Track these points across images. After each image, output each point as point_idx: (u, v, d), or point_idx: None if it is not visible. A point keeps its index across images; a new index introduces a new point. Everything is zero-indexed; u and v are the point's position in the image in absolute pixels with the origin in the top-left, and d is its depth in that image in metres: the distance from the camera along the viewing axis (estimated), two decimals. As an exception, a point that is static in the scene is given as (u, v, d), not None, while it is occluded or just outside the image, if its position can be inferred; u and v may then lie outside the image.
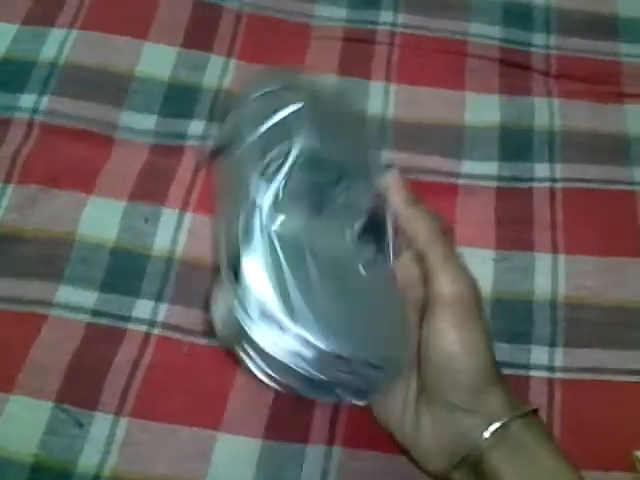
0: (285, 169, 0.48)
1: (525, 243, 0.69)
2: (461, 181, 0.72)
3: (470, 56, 0.79)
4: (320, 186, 0.50)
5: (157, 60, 0.78)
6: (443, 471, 0.50)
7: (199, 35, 0.80)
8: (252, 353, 0.45)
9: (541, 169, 0.72)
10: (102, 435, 0.59)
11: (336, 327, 0.46)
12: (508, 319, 0.65)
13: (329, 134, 0.51)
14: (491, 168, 0.72)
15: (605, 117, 0.76)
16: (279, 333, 0.44)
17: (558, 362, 0.64)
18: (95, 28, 0.79)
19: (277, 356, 0.45)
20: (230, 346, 0.47)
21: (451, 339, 0.48)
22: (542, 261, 0.68)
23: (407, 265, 0.53)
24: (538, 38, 0.81)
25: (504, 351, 0.64)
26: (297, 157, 0.48)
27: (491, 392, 0.49)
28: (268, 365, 0.46)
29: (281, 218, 0.47)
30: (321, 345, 0.45)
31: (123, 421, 0.60)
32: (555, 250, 0.68)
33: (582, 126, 0.75)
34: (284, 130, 0.50)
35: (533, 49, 0.80)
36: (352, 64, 0.79)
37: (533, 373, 0.63)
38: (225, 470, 0.59)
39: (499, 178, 0.72)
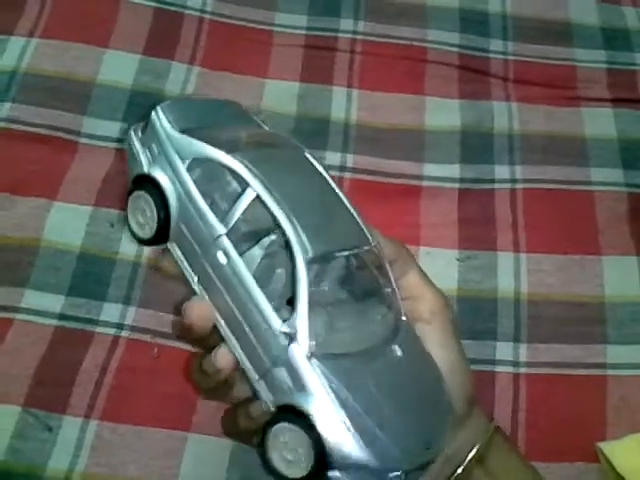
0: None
1: (488, 243, 0.70)
2: (424, 183, 0.73)
3: (430, 62, 0.81)
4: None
5: (119, 67, 0.78)
6: None
7: (161, 42, 0.80)
8: None
9: (501, 171, 0.74)
10: (71, 439, 0.59)
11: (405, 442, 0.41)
12: (473, 317, 0.67)
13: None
14: (453, 171, 0.74)
15: (562, 120, 0.78)
16: None
17: (522, 357, 0.65)
18: (55, 36, 0.79)
19: None
20: None
21: (439, 359, 0.45)
22: (504, 260, 0.69)
23: None
24: (495, 44, 0.83)
25: (470, 348, 0.64)
26: None
27: (474, 412, 0.48)
28: None
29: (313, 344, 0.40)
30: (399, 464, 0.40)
31: (93, 424, 0.60)
32: (517, 249, 0.70)
33: (540, 129, 0.77)
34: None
35: (491, 55, 0.82)
36: (314, 71, 0.80)
37: (498, 368, 0.65)
38: (197, 471, 0.59)
39: (461, 180, 0.73)
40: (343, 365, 0.40)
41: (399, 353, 0.43)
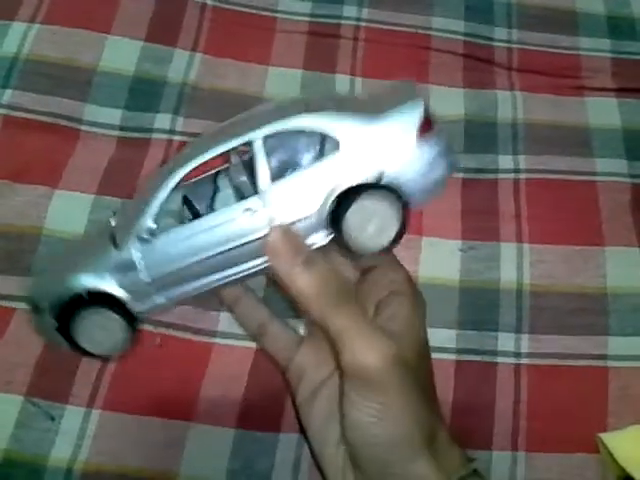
0: None
1: (490, 233, 0.70)
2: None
3: (434, 50, 0.80)
4: None
5: (121, 54, 0.78)
6: None
7: (163, 29, 0.80)
8: None
9: (505, 161, 0.74)
10: (74, 428, 0.59)
11: None
12: (475, 307, 0.67)
13: None
14: (456, 160, 0.74)
15: (566, 109, 0.77)
16: None
17: (524, 348, 0.65)
18: (57, 22, 0.78)
19: None
20: None
21: (363, 412, 0.45)
22: (507, 250, 0.69)
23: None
24: (500, 33, 0.82)
25: (472, 338, 0.65)
26: None
27: (414, 461, 0.45)
28: None
29: None
30: None
31: (95, 413, 0.60)
32: (520, 239, 0.70)
33: (544, 118, 0.77)
34: None
35: (495, 43, 0.81)
36: (317, 58, 0.79)
37: (500, 359, 0.65)
38: (199, 460, 0.59)
39: (464, 170, 0.73)
40: None
41: None
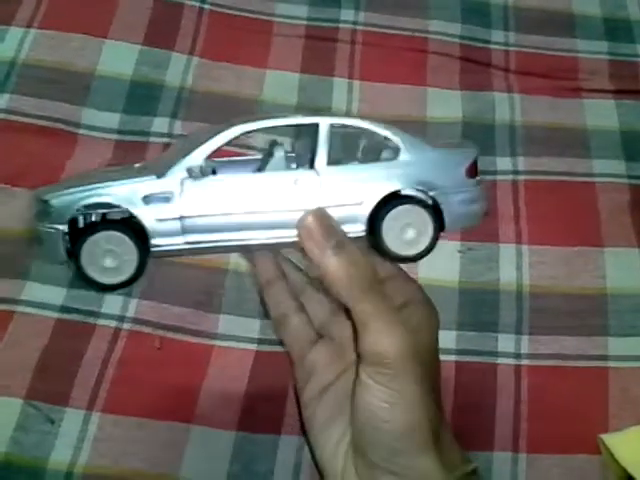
0: None
1: (490, 235, 0.70)
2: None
3: (431, 53, 0.80)
4: None
5: (118, 58, 0.78)
6: None
7: (160, 33, 0.79)
8: None
9: (503, 162, 0.74)
10: (74, 431, 0.59)
11: None
12: (475, 308, 0.67)
13: None
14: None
15: (564, 111, 0.77)
16: None
17: (524, 349, 0.65)
18: (54, 27, 0.78)
19: None
20: None
21: (377, 396, 0.45)
22: (506, 252, 0.69)
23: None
24: (497, 35, 0.82)
25: (472, 340, 0.65)
26: None
27: (421, 455, 0.46)
28: None
29: None
30: None
31: (95, 416, 0.59)
32: (519, 241, 0.70)
33: (542, 120, 0.77)
34: None
35: (492, 46, 0.82)
36: (315, 62, 0.79)
37: (500, 360, 0.65)
38: (199, 463, 0.59)
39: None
40: None
41: None
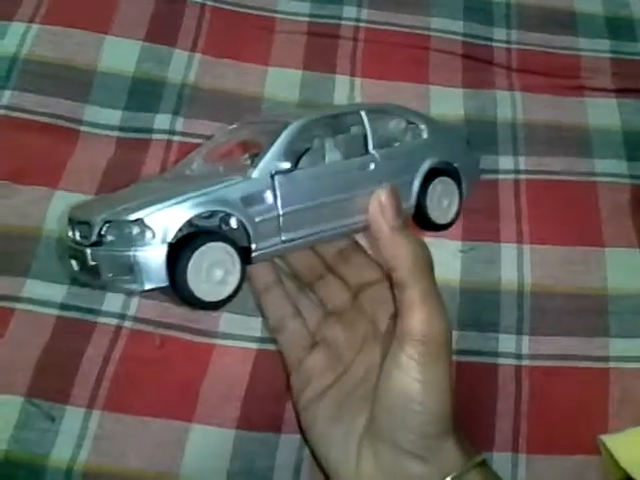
0: None
1: (491, 234, 0.70)
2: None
3: (433, 50, 0.80)
4: None
5: (120, 54, 0.77)
6: None
7: (162, 29, 0.79)
8: None
9: (505, 161, 0.74)
10: (74, 429, 0.59)
11: None
12: (476, 308, 0.66)
13: None
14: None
15: (565, 110, 0.77)
16: None
17: (525, 349, 0.65)
18: (56, 22, 0.78)
19: None
20: None
21: (413, 377, 0.47)
22: (508, 251, 0.69)
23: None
24: (499, 33, 0.82)
25: (473, 339, 0.65)
26: None
27: (446, 441, 0.48)
28: None
29: None
30: None
31: (95, 414, 0.60)
32: (520, 240, 0.69)
33: (544, 119, 0.76)
34: None
35: (494, 44, 0.81)
36: (317, 58, 0.79)
37: (501, 361, 0.65)
38: (199, 461, 0.59)
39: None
40: None
41: None
